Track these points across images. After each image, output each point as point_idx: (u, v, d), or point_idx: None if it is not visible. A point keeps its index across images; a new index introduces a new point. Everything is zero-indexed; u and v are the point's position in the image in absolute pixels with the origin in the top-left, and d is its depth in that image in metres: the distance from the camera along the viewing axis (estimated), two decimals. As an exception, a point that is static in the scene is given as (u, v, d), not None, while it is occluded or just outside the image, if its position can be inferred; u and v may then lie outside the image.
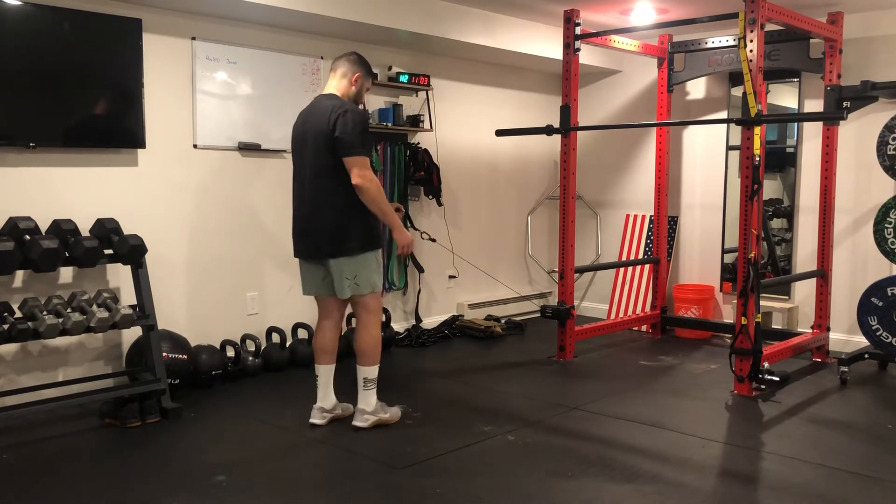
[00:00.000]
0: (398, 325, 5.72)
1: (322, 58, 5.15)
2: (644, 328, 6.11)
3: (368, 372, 3.65)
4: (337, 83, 3.67)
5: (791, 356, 4.81)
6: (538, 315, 6.05)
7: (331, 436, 3.62)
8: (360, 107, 3.72)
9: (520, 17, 5.69)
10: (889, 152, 4.61)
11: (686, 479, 3.13)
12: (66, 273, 4.09)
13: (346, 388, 3.90)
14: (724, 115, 5.97)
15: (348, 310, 3.88)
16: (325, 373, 3.75)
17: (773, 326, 5.56)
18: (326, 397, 3.76)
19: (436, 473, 3.18)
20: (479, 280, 6.37)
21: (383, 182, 5.48)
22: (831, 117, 4.79)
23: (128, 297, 4.18)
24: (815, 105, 5.43)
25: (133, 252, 3.93)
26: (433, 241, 5.74)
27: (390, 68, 5.52)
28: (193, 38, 4.54)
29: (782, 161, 5.85)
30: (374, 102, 5.49)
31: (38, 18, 3.87)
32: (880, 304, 4.61)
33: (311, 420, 3.74)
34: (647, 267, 6.24)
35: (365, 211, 3.55)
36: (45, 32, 3.90)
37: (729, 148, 5.91)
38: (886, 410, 4.12)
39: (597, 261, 6.73)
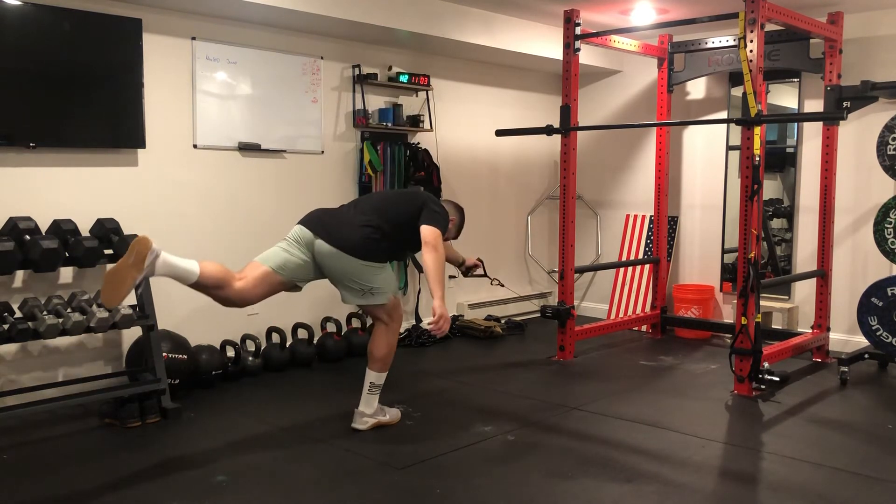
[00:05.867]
0: (398, 325, 5.71)
1: (322, 58, 5.15)
2: (644, 328, 6.10)
3: (376, 378, 3.65)
4: None
5: (791, 356, 4.81)
6: (538, 315, 6.05)
7: (331, 436, 3.62)
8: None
9: (520, 17, 5.69)
10: (889, 152, 4.61)
11: (686, 479, 3.13)
12: (66, 273, 4.09)
13: (346, 387, 3.89)
14: (724, 115, 5.97)
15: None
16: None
17: (773, 326, 5.56)
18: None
19: (436, 473, 3.18)
20: (480, 280, 6.35)
21: (383, 182, 5.48)
22: (831, 117, 4.79)
23: (127, 297, 4.17)
24: (815, 105, 5.43)
25: (133, 252, 3.92)
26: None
27: (390, 68, 5.52)
28: (193, 38, 4.54)
29: (782, 161, 5.85)
30: (374, 102, 5.49)
31: (38, 18, 3.87)
32: (880, 304, 4.61)
33: None
34: (647, 267, 6.24)
35: (389, 253, 3.58)
36: (45, 32, 3.90)
37: (729, 148, 5.91)
38: (886, 410, 4.12)
39: (597, 261, 6.73)
